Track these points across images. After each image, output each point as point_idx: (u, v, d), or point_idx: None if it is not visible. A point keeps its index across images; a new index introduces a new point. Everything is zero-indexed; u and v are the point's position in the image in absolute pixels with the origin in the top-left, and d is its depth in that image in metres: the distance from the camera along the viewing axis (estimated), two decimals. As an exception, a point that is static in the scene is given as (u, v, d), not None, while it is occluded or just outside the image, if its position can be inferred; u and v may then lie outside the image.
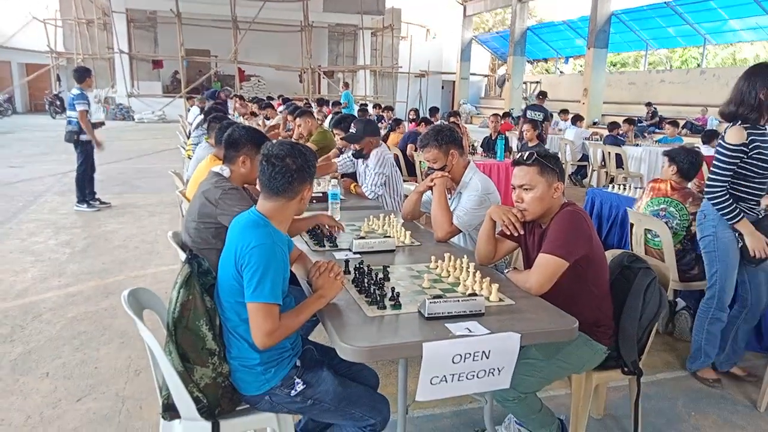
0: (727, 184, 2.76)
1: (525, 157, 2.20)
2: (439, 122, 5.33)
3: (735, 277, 2.92)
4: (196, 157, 4.39)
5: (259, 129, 2.80)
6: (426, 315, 1.83)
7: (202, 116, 7.07)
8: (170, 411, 1.84)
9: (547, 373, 2.14)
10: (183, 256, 2.33)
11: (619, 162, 8.48)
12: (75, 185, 6.84)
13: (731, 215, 2.76)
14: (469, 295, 1.91)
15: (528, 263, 2.31)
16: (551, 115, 11.35)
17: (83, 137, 6.58)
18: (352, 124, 4.24)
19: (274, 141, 1.99)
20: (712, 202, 2.78)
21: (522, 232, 2.25)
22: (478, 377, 1.76)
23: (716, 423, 2.76)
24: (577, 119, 10.32)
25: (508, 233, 2.27)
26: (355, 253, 2.55)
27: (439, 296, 1.87)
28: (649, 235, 3.58)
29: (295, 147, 1.90)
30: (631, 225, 3.78)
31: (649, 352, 2.43)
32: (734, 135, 2.72)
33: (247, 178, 2.68)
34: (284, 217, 1.89)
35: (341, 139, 4.57)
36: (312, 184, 1.94)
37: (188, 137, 7.68)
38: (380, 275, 2.15)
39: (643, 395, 2.41)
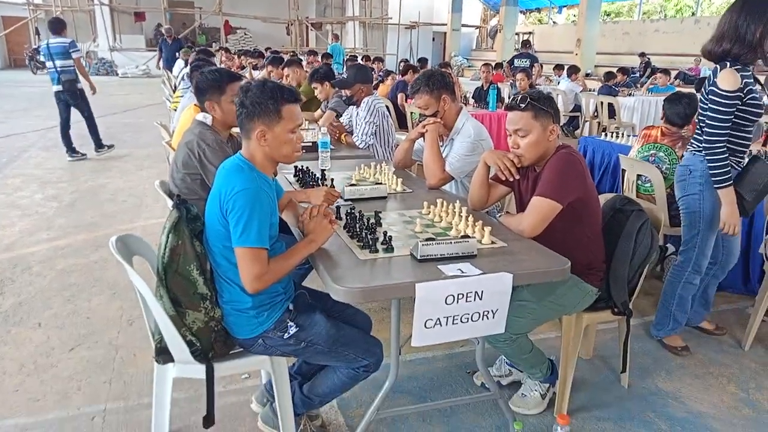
0: (726, 138, 2.48)
1: (519, 101, 2.16)
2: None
3: (714, 239, 2.71)
4: (181, 107, 4.30)
5: (224, 69, 2.72)
6: (418, 257, 1.82)
7: (187, 69, 6.93)
8: (163, 355, 1.85)
9: (538, 314, 2.16)
10: (171, 205, 2.31)
11: (612, 112, 8.43)
12: (89, 134, 7.04)
13: (723, 178, 2.49)
14: (462, 237, 1.90)
15: (521, 207, 2.30)
16: (539, 62, 11.19)
17: (79, 85, 6.75)
18: (345, 70, 4.16)
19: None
20: (710, 158, 2.49)
21: (518, 177, 2.24)
22: (472, 320, 1.77)
23: (702, 362, 2.83)
24: (572, 71, 10.17)
25: (504, 178, 2.25)
26: (346, 200, 2.53)
27: (432, 239, 1.86)
28: (640, 181, 3.58)
29: (257, 84, 1.82)
30: (623, 172, 3.78)
31: (638, 295, 2.46)
32: (729, 79, 2.41)
33: (227, 123, 2.63)
34: (262, 159, 1.84)
35: (331, 84, 4.48)
36: (272, 126, 1.81)
37: (174, 90, 7.51)
38: (372, 221, 2.14)
39: (631, 336, 2.45)
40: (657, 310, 2.96)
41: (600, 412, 2.41)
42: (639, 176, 3.58)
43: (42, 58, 7.09)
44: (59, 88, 6.72)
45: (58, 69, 6.64)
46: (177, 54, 10.88)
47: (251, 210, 1.70)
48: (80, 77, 6.81)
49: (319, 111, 5.01)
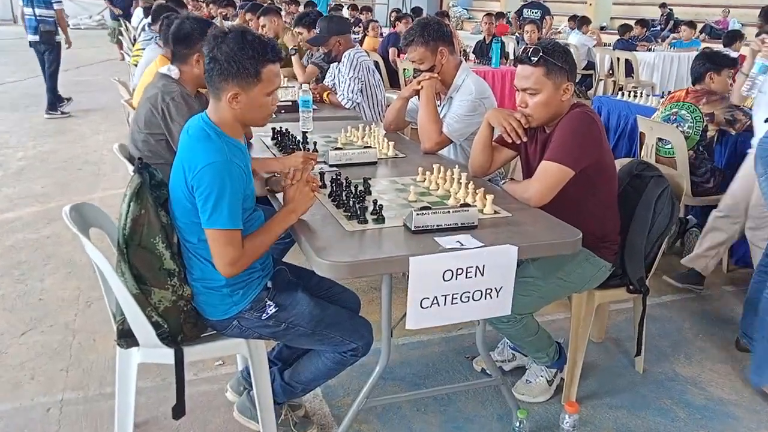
0: None
1: (530, 54, 2.13)
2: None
3: None
4: (144, 61, 4.22)
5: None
6: (413, 228, 1.82)
7: (148, 20, 6.80)
8: (126, 338, 1.84)
9: (545, 292, 2.17)
10: (132, 169, 2.28)
11: (629, 70, 8.40)
12: (48, 90, 7.15)
13: None
14: (461, 206, 1.90)
15: (528, 173, 2.30)
16: (551, 14, 11.11)
17: (58, 38, 7.03)
18: (317, 23, 4.08)
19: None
20: None
21: (525, 140, 2.23)
22: (474, 299, 1.78)
23: (723, 345, 2.88)
24: (582, 23, 10.09)
25: (509, 141, 2.24)
26: (331, 165, 2.52)
27: (427, 208, 1.86)
28: (660, 143, 3.59)
29: (234, 35, 1.73)
30: (641, 136, 3.78)
31: (655, 273, 2.48)
32: None
33: (200, 81, 2.58)
34: (232, 122, 1.80)
35: (307, 42, 4.42)
36: (248, 89, 1.74)
37: (133, 43, 7.38)
38: (360, 188, 2.13)
39: (647, 317, 2.48)
40: (753, 351, 2.57)
41: (612, 399, 2.45)
42: (660, 140, 3.59)
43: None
44: (36, 38, 6.88)
45: (38, 17, 6.80)
46: (133, 2, 10.77)
47: (221, 187, 1.67)
48: (59, 30, 7.06)
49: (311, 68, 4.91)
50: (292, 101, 3.59)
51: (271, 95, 1.81)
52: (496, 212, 2.03)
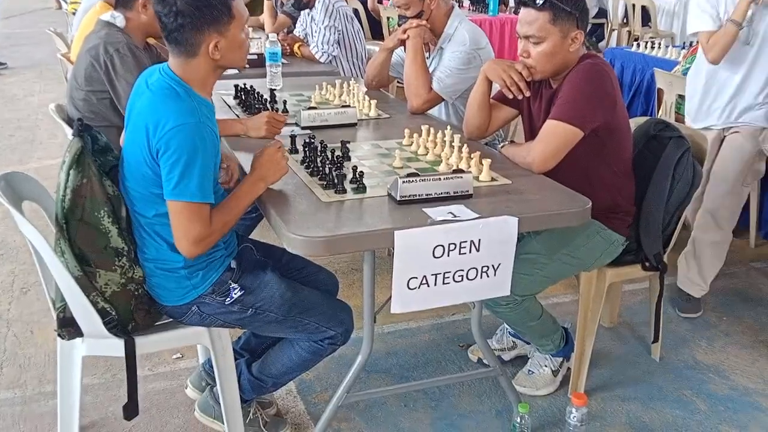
0: None
1: None
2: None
3: None
4: (83, 7, 4.15)
5: None
6: (398, 198, 1.82)
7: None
8: (69, 328, 1.83)
9: (550, 270, 2.19)
10: (71, 132, 2.25)
11: (646, 18, 8.39)
12: None
13: None
14: (454, 172, 1.90)
15: (531, 134, 2.30)
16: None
17: None
18: None
19: None
20: None
21: (528, 95, 2.22)
22: (468, 278, 1.79)
23: (752, 328, 2.93)
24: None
25: (510, 96, 2.24)
26: (303, 128, 2.51)
27: (415, 175, 1.86)
28: (680, 101, 3.60)
29: None
30: (659, 92, 3.79)
31: (674, 248, 2.51)
32: None
33: (149, 29, 2.56)
34: (202, 78, 1.79)
35: None
36: (225, 31, 1.74)
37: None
38: (338, 153, 2.13)
39: (664, 298, 2.51)
40: None
41: (625, 390, 2.49)
42: (680, 97, 3.59)
43: None
44: None
45: None
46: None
47: (191, 152, 1.67)
48: None
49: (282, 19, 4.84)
50: (258, 54, 3.54)
51: (244, 30, 1.83)
52: (493, 179, 2.03)
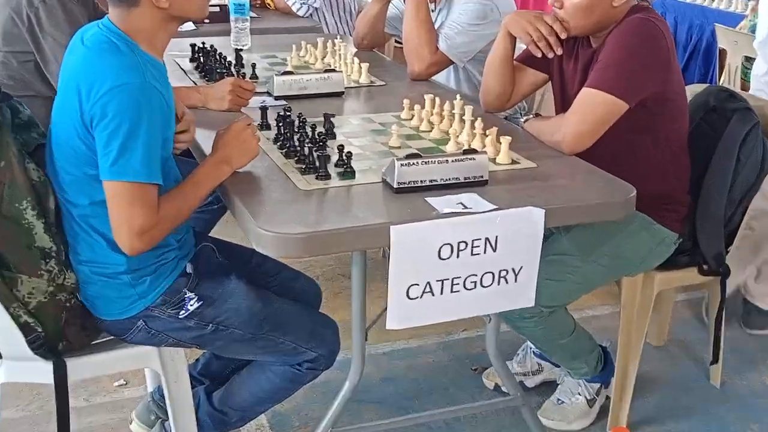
0: None
1: None
2: None
3: None
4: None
5: None
6: (395, 185, 1.81)
7: None
8: (-17, 348, 1.82)
9: (584, 275, 2.18)
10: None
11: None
12: None
13: None
14: (465, 153, 1.88)
15: (563, 105, 2.29)
16: None
17: None
18: None
19: None
20: None
21: (559, 53, 2.22)
22: (482, 285, 1.78)
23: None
24: None
25: (539, 54, 2.23)
26: (277, 98, 2.50)
27: (416, 156, 1.85)
28: (747, 65, 3.59)
29: None
30: (721, 53, 3.77)
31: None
32: None
33: None
34: (148, 32, 1.77)
35: None
36: None
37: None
38: (320, 130, 2.12)
39: (728, 311, 2.51)
40: None
41: (677, 424, 2.48)
42: (748, 59, 3.58)
43: None
44: None
45: None
46: None
47: (134, 120, 1.65)
48: None
49: None
50: (220, 6, 3.53)
51: None
52: (514, 162, 2.02)
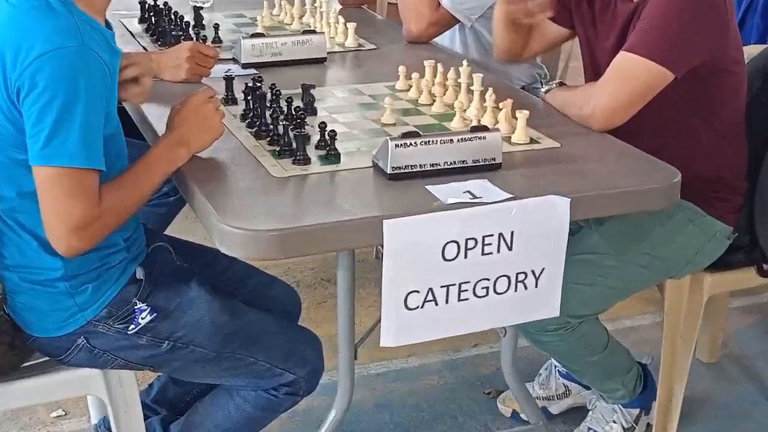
0: None
1: None
2: None
3: None
4: None
5: None
6: (389, 170, 1.81)
7: None
8: None
9: (619, 277, 2.19)
10: None
11: None
12: None
13: None
14: (473, 130, 1.88)
15: (593, 71, 2.30)
16: None
17: None
18: None
19: None
20: None
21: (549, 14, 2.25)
22: (496, 292, 1.79)
23: None
24: None
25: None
26: (245, 66, 2.52)
27: (414, 135, 1.85)
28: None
29: None
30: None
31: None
32: None
33: None
34: None
35: None
36: None
37: None
38: (298, 105, 2.12)
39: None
40: None
41: (733, 457, 2.51)
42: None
43: None
44: None
45: None
46: None
47: (71, 91, 1.65)
48: None
49: None
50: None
51: None
52: (533, 140, 2.03)
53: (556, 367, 2.62)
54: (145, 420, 2.01)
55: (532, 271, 1.80)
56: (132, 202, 1.79)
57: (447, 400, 2.69)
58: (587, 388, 2.53)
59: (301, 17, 2.94)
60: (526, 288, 1.81)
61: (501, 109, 2.09)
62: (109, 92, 1.77)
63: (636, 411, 2.45)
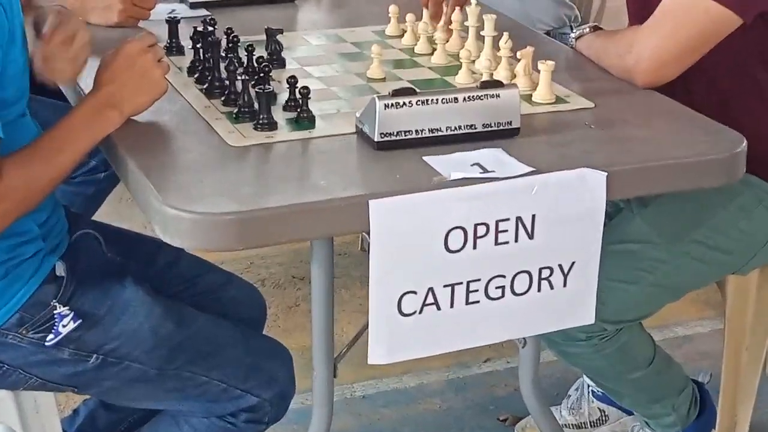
0: None
1: None
2: None
3: None
4: None
5: None
6: (377, 137, 1.80)
7: None
8: None
9: (669, 273, 2.19)
10: None
11: None
12: None
13: None
14: (483, 86, 1.88)
15: (638, 12, 2.29)
16: None
17: None
18: None
19: None
20: None
21: None
22: (514, 292, 1.78)
23: None
24: None
25: None
26: (193, 5, 2.54)
27: (409, 92, 1.84)
28: None
29: None
30: None
31: None
32: None
33: None
34: None
35: None
36: None
37: None
38: (261, 54, 2.13)
39: None
40: None
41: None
42: None
43: None
44: None
45: None
46: None
47: None
48: None
49: None
50: None
51: None
52: (560, 99, 2.03)
53: (589, 387, 2.63)
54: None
55: (560, 266, 1.79)
56: (47, 178, 1.77)
57: (452, 429, 2.70)
58: (629, 413, 2.54)
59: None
60: (552, 287, 1.80)
61: (519, 60, 2.09)
62: (9, 38, 1.74)
63: (691, 440, 2.46)
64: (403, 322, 1.73)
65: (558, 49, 2.30)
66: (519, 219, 1.71)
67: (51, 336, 1.83)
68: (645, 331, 2.26)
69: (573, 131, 1.92)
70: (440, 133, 1.83)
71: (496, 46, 2.14)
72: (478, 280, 1.75)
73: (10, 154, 1.72)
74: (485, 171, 1.72)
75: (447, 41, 2.25)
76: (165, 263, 2.11)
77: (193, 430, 2.00)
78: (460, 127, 1.84)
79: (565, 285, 1.81)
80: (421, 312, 1.73)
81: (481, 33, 2.18)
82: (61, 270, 1.89)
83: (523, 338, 2.16)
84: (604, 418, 2.62)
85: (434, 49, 2.24)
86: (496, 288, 1.76)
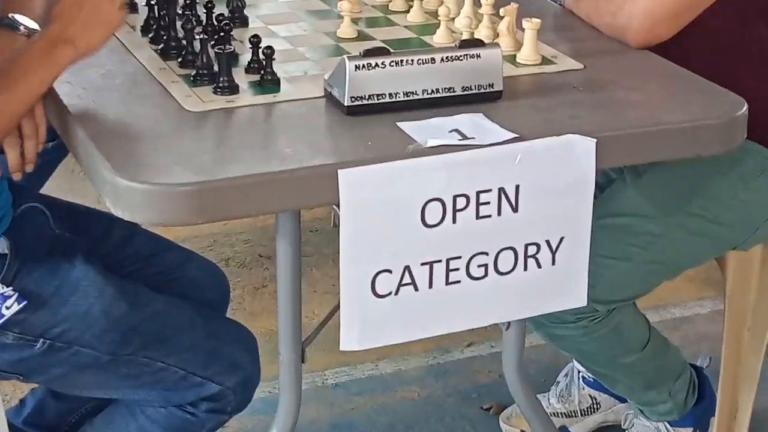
0: None
1: None
2: None
3: None
4: None
5: None
6: (347, 101, 1.80)
7: None
8: None
9: (664, 249, 2.20)
10: None
11: None
12: None
13: None
14: (462, 46, 1.87)
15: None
16: None
17: None
18: None
19: None
20: None
21: None
22: (498, 271, 1.78)
23: None
24: None
25: None
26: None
27: (382, 52, 1.84)
28: None
29: None
30: None
31: None
32: None
33: None
34: None
35: None
36: None
37: None
38: (220, 11, 2.12)
39: None
40: None
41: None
42: None
43: None
44: None
45: None
46: None
47: None
48: None
49: None
50: None
51: None
52: (546, 60, 2.04)
53: (579, 372, 2.63)
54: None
55: (547, 242, 1.79)
56: None
57: (432, 419, 2.71)
58: (622, 400, 2.56)
59: None
60: (539, 266, 1.80)
61: (502, 18, 2.09)
62: None
63: (688, 431, 2.47)
64: (377, 304, 1.72)
65: (545, 7, 2.30)
66: (502, 190, 1.71)
67: (-6, 321, 1.83)
68: (639, 311, 2.27)
69: (560, 95, 1.92)
70: (416, 97, 1.82)
71: (477, 3, 2.13)
72: (459, 257, 1.74)
73: None
74: (465, 138, 1.72)
75: (426, -3, 2.24)
76: (119, 240, 2.10)
77: (149, 421, 2.00)
78: (437, 91, 1.83)
79: (553, 263, 1.81)
80: (396, 293, 1.72)
81: (463, -13, 2.18)
82: (3, 247, 1.88)
83: (506, 323, 2.16)
84: (595, 406, 2.63)
85: (410, 6, 2.24)
86: (479, 266, 1.76)
